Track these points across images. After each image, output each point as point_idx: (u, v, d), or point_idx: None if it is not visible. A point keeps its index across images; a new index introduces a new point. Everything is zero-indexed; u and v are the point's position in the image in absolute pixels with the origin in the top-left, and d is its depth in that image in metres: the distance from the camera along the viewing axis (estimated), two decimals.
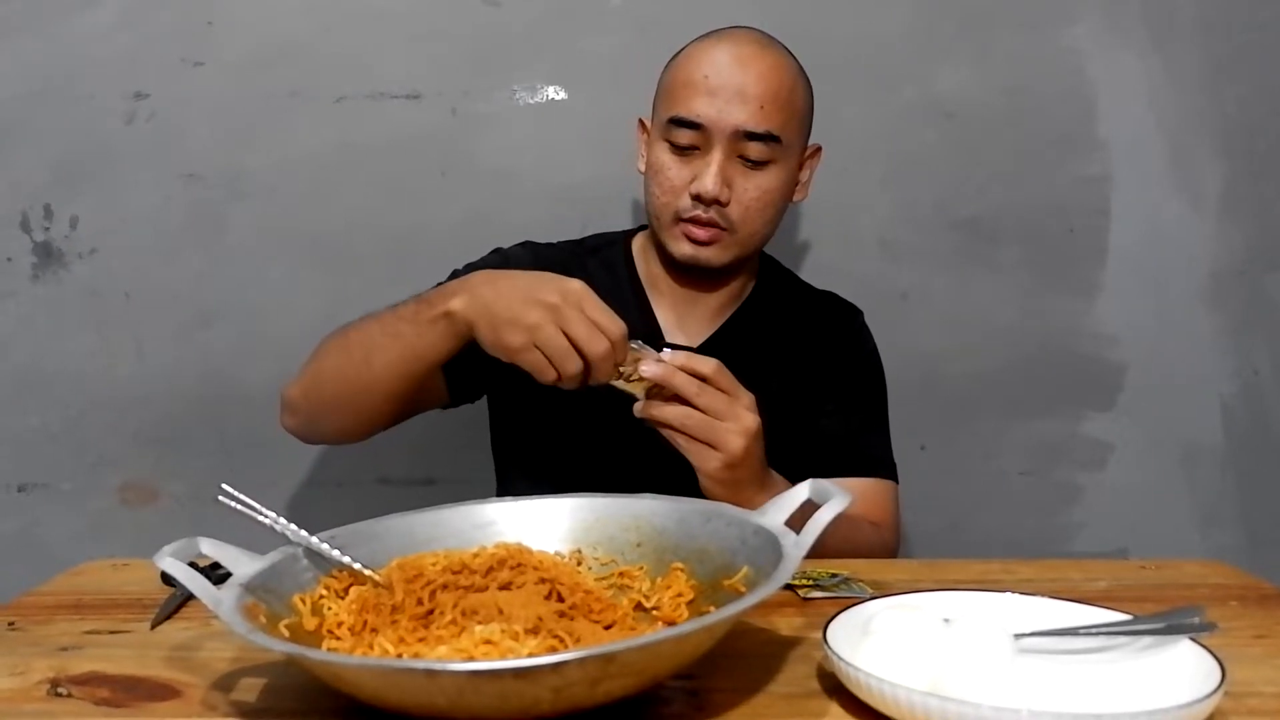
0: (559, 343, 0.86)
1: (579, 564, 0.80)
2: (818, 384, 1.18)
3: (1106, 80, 1.42)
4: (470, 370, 1.13)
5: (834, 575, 0.87)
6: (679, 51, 1.14)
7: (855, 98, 1.41)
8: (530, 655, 0.62)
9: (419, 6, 1.39)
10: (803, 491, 0.75)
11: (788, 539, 0.69)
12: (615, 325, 0.87)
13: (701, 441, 0.89)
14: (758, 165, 1.09)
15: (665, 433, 0.90)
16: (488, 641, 0.64)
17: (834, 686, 0.65)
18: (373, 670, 0.59)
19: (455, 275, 1.15)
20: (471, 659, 0.62)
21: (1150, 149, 1.44)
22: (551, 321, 0.86)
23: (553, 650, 0.64)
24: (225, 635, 0.72)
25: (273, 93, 1.38)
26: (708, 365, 0.89)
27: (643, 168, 1.17)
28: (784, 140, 1.09)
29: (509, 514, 0.82)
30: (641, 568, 0.79)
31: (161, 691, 0.67)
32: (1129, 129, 1.43)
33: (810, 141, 1.17)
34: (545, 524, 0.82)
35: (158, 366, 1.41)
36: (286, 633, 0.66)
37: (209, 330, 1.41)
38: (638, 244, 1.22)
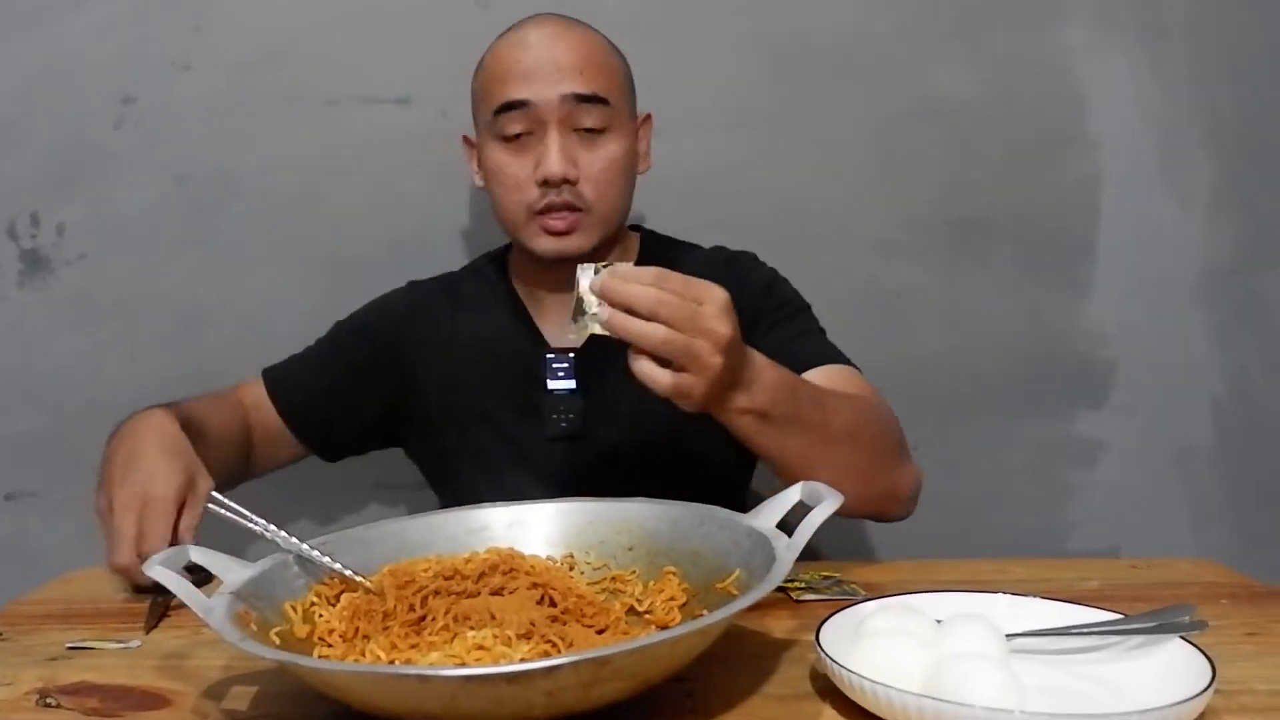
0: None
1: (571, 568, 0.80)
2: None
3: (1096, 79, 1.43)
4: (329, 436, 1.21)
5: (826, 577, 0.88)
6: (483, 57, 1.12)
7: (848, 97, 1.41)
8: (523, 660, 0.62)
9: (409, 10, 1.38)
10: (794, 494, 0.75)
11: (780, 542, 0.69)
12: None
13: (676, 367, 0.75)
14: (597, 134, 1.05)
15: (637, 364, 0.76)
16: (480, 647, 0.64)
17: (827, 688, 0.65)
18: (365, 677, 0.58)
19: (386, 297, 1.24)
20: (464, 664, 0.62)
21: (1140, 148, 1.44)
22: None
23: (545, 655, 0.64)
24: (216, 643, 0.72)
25: (263, 96, 1.38)
26: (647, 274, 0.75)
27: (479, 182, 1.14)
28: (613, 103, 1.06)
29: (501, 519, 0.82)
30: (634, 571, 0.79)
31: (152, 700, 0.67)
32: (1119, 128, 1.44)
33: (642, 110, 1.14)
34: (537, 528, 0.82)
35: (149, 371, 1.40)
36: (278, 640, 0.66)
37: (200, 334, 1.40)
38: (513, 256, 1.20)
